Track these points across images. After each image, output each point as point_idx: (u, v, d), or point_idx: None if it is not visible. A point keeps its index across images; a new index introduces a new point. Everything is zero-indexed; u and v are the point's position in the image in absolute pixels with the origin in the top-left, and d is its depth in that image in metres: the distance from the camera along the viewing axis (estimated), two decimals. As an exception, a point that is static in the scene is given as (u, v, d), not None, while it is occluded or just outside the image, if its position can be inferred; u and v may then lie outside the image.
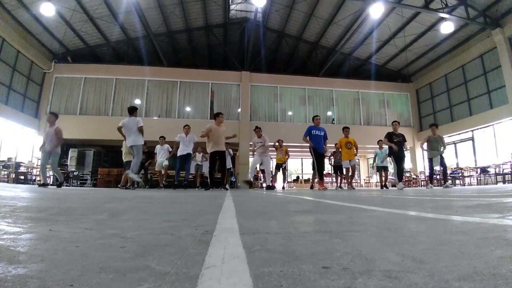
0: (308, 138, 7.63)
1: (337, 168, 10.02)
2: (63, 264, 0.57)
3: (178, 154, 8.50)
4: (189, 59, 17.60)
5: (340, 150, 9.05)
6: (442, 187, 7.78)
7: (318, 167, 7.64)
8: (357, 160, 21.02)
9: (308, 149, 7.84)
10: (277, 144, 9.84)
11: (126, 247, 0.73)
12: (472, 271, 0.52)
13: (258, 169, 9.78)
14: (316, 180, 8.31)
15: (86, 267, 0.56)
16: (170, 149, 9.34)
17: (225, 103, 16.08)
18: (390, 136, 7.94)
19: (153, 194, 4.32)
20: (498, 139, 12.68)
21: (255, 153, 8.77)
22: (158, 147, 9.51)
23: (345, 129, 8.83)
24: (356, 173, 18.64)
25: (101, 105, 15.01)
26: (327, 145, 8.06)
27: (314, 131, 7.68)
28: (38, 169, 12.72)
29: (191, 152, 8.75)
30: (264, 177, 9.62)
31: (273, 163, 12.19)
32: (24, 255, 0.64)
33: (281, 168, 10.06)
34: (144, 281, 0.48)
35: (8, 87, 12.28)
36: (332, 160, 10.27)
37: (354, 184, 9.50)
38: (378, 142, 10.21)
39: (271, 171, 9.87)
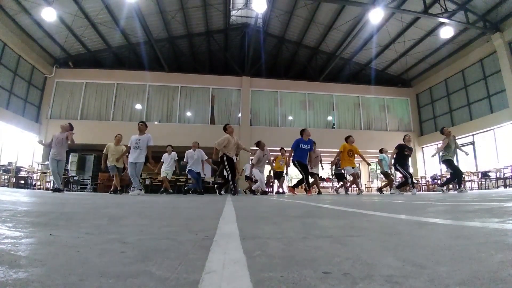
0: (294, 150, 7.86)
1: (339, 176, 9.46)
2: (63, 269, 0.57)
3: (189, 168, 8.62)
4: (190, 64, 17.69)
5: (340, 156, 8.56)
6: (457, 191, 7.68)
7: (306, 176, 7.88)
8: (357, 166, 20.94)
9: (292, 160, 8.06)
10: (279, 153, 9.83)
11: (126, 252, 0.73)
12: (472, 275, 0.52)
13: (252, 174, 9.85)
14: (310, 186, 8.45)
15: (87, 271, 0.56)
16: (176, 158, 9.21)
17: (225, 108, 16.13)
18: (402, 148, 7.73)
19: (154, 199, 4.32)
20: (498, 143, 12.67)
21: (254, 166, 9.13)
22: (165, 155, 9.18)
23: (349, 138, 8.48)
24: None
25: (102, 110, 15.06)
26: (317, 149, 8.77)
27: (302, 145, 7.83)
28: (38, 174, 12.76)
29: (201, 172, 8.72)
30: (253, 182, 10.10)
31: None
32: (24, 259, 0.64)
33: (280, 177, 10.04)
34: (145, 286, 0.48)
35: (9, 91, 12.32)
36: (333, 168, 9.82)
37: (350, 189, 9.26)
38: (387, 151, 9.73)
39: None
